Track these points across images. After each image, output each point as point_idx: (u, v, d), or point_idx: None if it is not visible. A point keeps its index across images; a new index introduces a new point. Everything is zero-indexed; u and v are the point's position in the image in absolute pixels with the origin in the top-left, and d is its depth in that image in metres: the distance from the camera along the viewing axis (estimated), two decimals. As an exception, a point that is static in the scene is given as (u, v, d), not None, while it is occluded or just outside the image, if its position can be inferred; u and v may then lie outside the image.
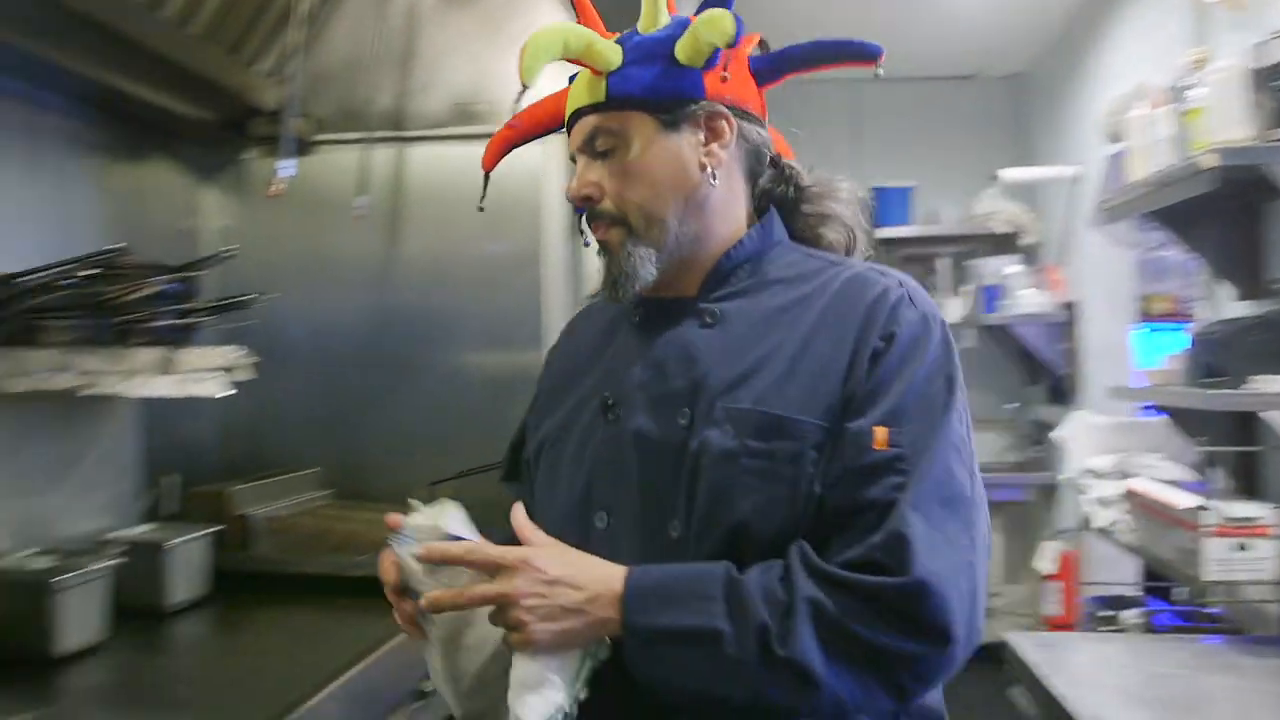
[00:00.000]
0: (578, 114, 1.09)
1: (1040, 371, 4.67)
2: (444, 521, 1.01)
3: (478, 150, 1.23)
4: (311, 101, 2.36)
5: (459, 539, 0.99)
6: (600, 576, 0.94)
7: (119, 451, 2.09)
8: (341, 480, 2.43)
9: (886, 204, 4.92)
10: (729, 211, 1.10)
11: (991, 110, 5.09)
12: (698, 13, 1.05)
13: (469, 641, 1.00)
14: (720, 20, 1.01)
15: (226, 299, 1.87)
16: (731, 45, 1.02)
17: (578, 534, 1.03)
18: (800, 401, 0.98)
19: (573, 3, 1.16)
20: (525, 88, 1.02)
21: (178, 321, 1.80)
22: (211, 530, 2.02)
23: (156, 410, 2.15)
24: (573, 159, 1.11)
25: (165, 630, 1.87)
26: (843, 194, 1.17)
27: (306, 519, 2.22)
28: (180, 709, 1.53)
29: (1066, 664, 1.77)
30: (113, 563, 1.75)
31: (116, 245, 1.53)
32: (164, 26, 1.89)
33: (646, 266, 1.06)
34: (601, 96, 1.06)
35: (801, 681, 0.89)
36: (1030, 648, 1.84)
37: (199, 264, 1.76)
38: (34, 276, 1.47)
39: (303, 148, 2.35)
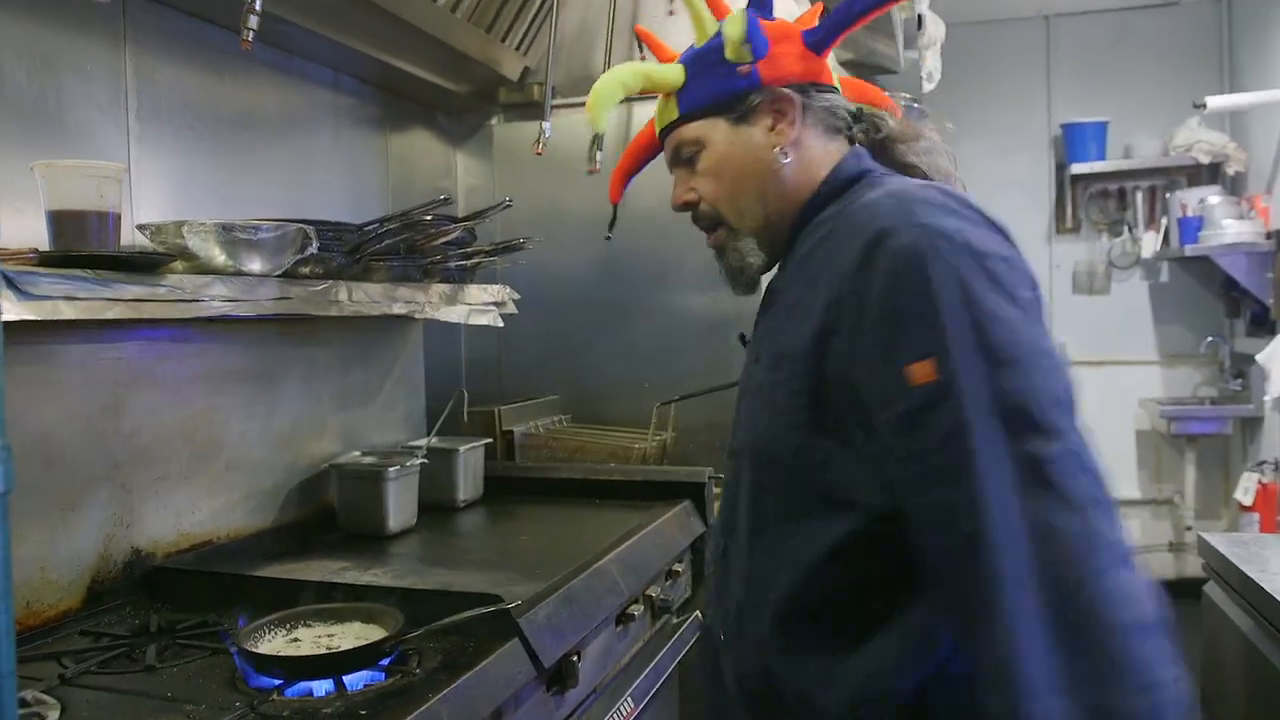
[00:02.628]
0: (663, 134, 1.23)
1: (1242, 303, 4.58)
2: None
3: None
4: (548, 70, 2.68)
5: None
6: None
7: (411, 375, 2.52)
8: (576, 407, 2.79)
9: (1079, 139, 4.89)
10: (808, 175, 1.16)
11: (1196, 37, 4.93)
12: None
13: None
14: (735, 21, 1.14)
15: (501, 243, 2.22)
16: (748, 41, 1.12)
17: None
18: (800, 330, 1.05)
19: (640, 41, 1.31)
20: (598, 134, 1.22)
21: (463, 263, 2.17)
22: (487, 442, 2.42)
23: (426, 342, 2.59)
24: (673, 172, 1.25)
25: (457, 519, 2.27)
26: (923, 142, 1.22)
27: (560, 437, 2.60)
28: (482, 567, 1.88)
29: (1260, 557, 1.90)
30: (420, 462, 2.16)
31: (440, 197, 1.89)
32: (439, 11, 2.24)
33: (755, 254, 1.18)
34: (675, 113, 1.19)
35: None
36: (1224, 544, 1.98)
37: (480, 215, 2.10)
38: (374, 225, 1.84)
39: (539, 112, 2.68)
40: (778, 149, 1.15)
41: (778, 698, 1.09)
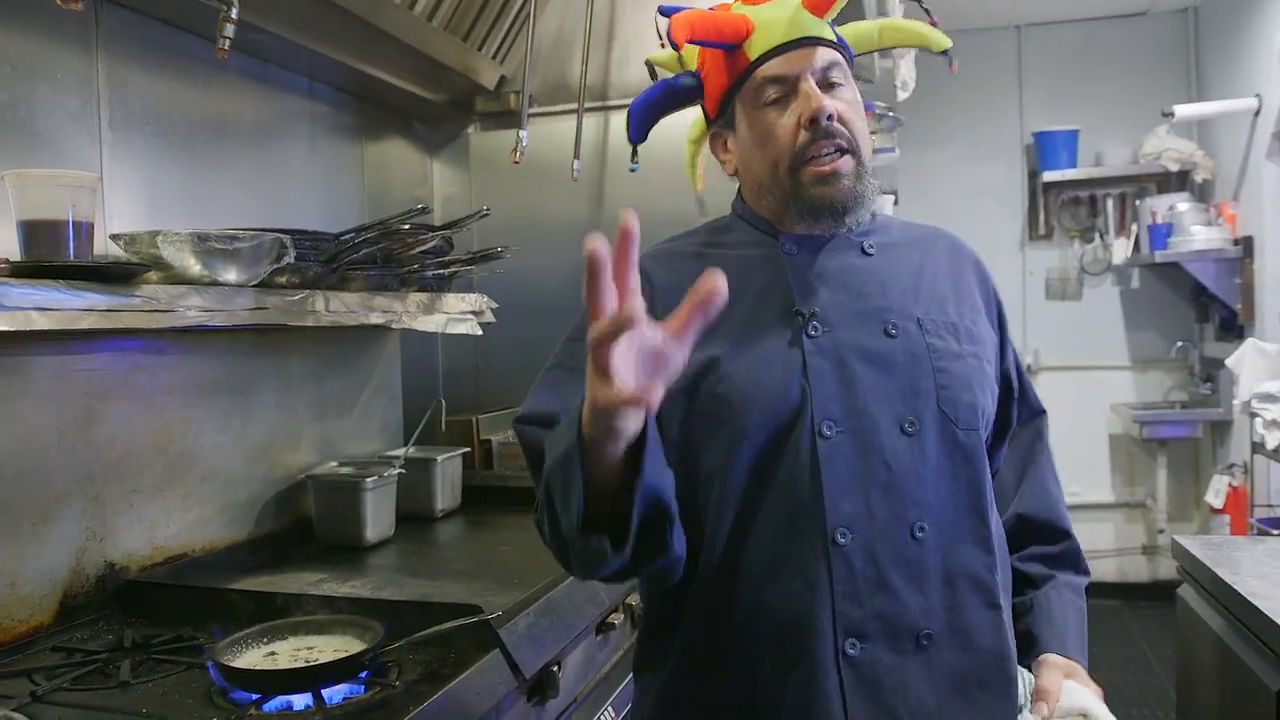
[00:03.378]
0: (808, 41, 1.16)
1: (1211, 309, 4.64)
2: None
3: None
4: (525, 79, 2.68)
5: None
6: None
7: (388, 384, 2.51)
8: (554, 414, 2.78)
9: (1051, 147, 4.95)
10: None
11: (1163, 47, 5.01)
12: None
13: None
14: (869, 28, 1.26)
15: (479, 252, 2.22)
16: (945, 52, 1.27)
17: (809, 445, 1.08)
18: (972, 318, 1.21)
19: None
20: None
21: (441, 272, 2.16)
22: (465, 451, 2.41)
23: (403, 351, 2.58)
24: (777, 82, 1.16)
25: (435, 530, 2.26)
26: None
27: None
28: (461, 578, 1.86)
29: (1232, 559, 1.93)
30: (398, 472, 2.15)
31: (417, 206, 1.88)
32: (415, 20, 2.24)
33: (873, 200, 1.18)
34: (833, 37, 1.19)
35: None
36: (1197, 546, 2.00)
37: (458, 223, 2.10)
38: (350, 235, 1.83)
39: (516, 120, 2.67)
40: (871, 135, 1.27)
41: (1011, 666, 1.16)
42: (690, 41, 1.18)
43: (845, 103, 1.15)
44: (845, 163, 1.14)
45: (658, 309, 1.17)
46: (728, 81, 1.19)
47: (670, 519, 0.99)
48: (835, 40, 1.19)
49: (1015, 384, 1.28)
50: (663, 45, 1.30)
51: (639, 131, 1.31)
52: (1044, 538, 1.29)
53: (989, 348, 1.21)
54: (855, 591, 1.06)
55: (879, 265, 1.18)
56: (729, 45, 1.18)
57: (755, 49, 1.16)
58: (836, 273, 1.16)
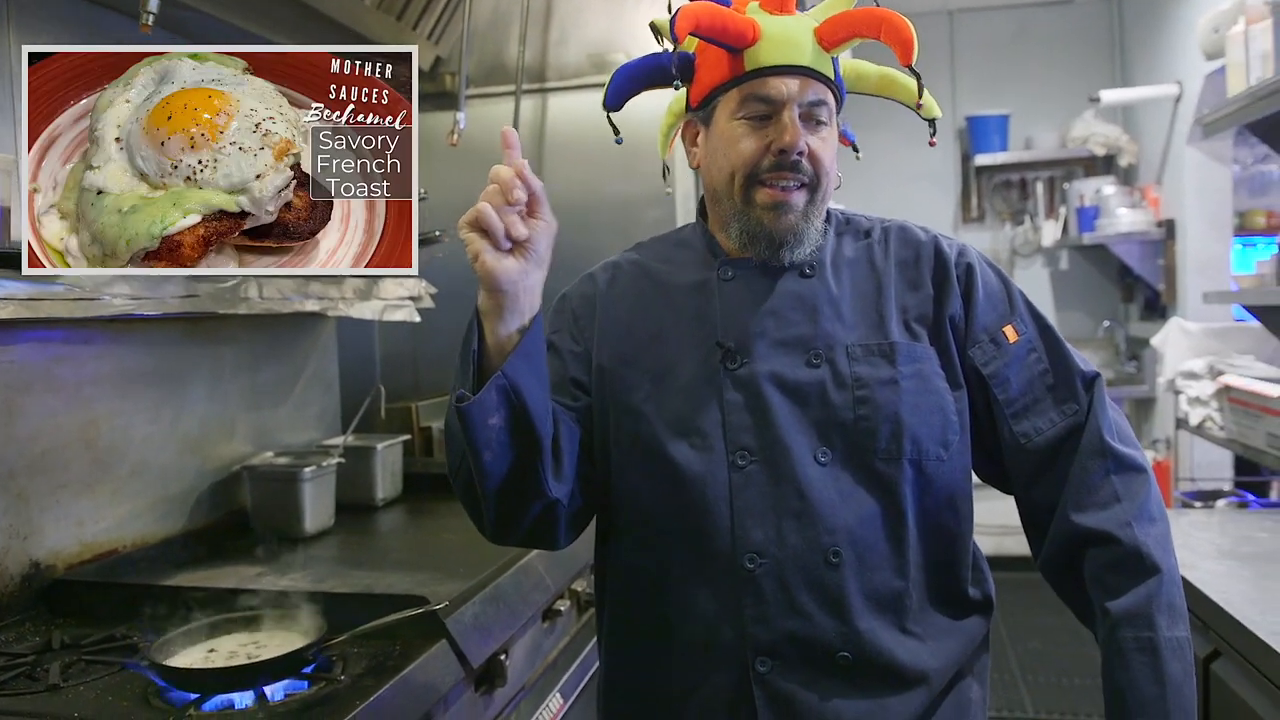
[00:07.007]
0: (806, 71, 1.13)
1: (1135, 289, 4.78)
2: None
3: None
4: (461, 59, 2.63)
5: None
6: None
7: (325, 372, 2.45)
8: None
9: (982, 132, 5.04)
10: None
11: (1089, 34, 5.12)
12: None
13: None
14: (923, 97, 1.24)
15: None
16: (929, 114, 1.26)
17: (723, 475, 1.12)
18: (912, 329, 1.16)
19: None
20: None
21: (378, 257, 2.11)
22: (405, 439, 2.37)
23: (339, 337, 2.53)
24: (763, 100, 1.13)
25: (376, 519, 2.22)
26: None
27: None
28: (405, 568, 1.82)
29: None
30: (337, 461, 2.10)
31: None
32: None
33: (815, 237, 1.17)
34: (830, 73, 1.15)
35: None
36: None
37: (394, 207, 2.05)
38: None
39: (453, 102, 2.63)
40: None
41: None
42: (693, 34, 1.13)
43: (821, 141, 1.14)
44: (799, 196, 1.14)
45: (596, 312, 1.24)
46: (719, 80, 1.16)
47: (528, 414, 1.03)
48: (833, 79, 1.16)
49: (990, 372, 1.16)
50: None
51: (616, 98, 1.23)
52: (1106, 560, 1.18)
53: (935, 361, 1.16)
54: (765, 615, 1.10)
55: (815, 288, 1.18)
56: (731, 47, 1.14)
57: (754, 60, 1.14)
58: (769, 299, 1.17)
